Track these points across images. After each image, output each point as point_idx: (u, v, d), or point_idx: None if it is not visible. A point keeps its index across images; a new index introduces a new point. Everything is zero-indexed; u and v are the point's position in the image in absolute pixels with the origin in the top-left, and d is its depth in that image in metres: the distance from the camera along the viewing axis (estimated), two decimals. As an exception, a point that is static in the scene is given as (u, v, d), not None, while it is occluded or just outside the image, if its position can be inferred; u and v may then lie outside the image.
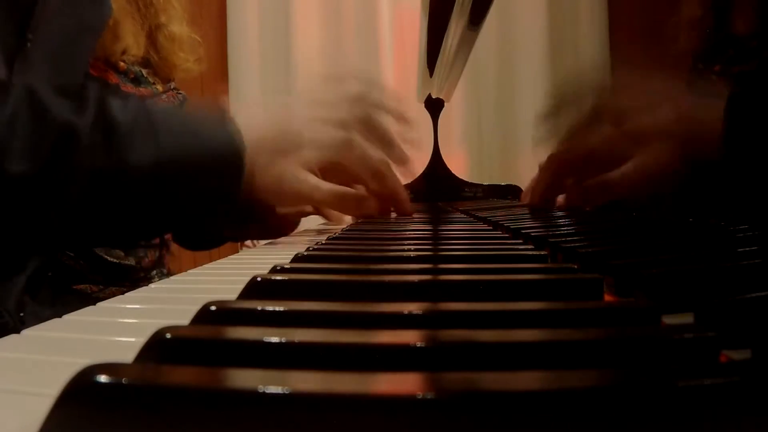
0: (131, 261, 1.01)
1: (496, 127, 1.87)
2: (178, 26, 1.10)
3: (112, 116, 0.45)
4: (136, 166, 0.45)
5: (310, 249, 0.41)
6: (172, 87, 1.12)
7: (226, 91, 1.90)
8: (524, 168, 1.81)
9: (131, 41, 1.00)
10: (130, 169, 0.45)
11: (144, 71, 1.07)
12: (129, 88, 1.02)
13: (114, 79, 1.01)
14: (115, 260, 0.97)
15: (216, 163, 0.48)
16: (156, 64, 1.08)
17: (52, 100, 0.44)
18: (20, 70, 0.62)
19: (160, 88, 1.08)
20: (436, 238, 0.50)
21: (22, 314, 0.69)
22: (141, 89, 1.04)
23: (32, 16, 0.61)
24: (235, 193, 0.50)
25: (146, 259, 1.04)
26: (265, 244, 0.64)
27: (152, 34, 1.08)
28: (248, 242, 0.91)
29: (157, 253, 1.08)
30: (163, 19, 1.08)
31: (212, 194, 0.49)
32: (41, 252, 0.55)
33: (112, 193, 0.45)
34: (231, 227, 0.80)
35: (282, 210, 0.73)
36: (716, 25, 0.91)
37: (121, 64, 1.02)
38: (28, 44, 0.62)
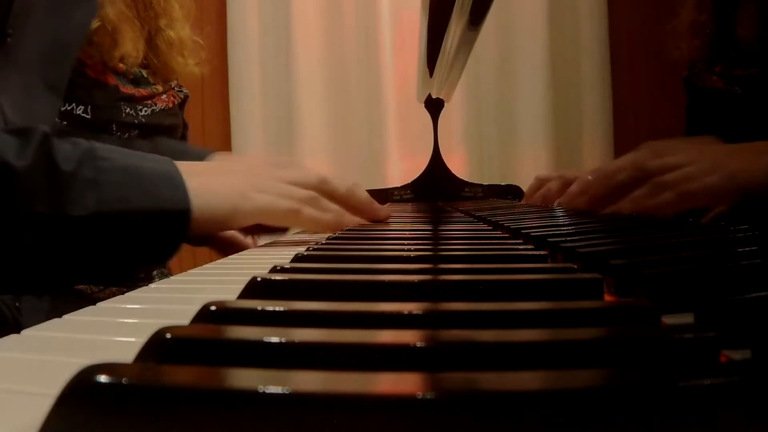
0: None
1: (496, 127, 1.86)
2: (179, 30, 1.09)
3: (54, 162, 0.44)
4: (76, 216, 0.44)
5: (310, 249, 0.41)
6: (173, 86, 1.11)
7: (226, 91, 1.90)
8: (524, 168, 1.81)
9: (130, 47, 1.00)
10: (70, 218, 0.44)
11: (144, 72, 1.06)
12: (128, 89, 1.02)
13: (113, 80, 1.01)
14: None
15: (160, 221, 0.48)
16: (155, 67, 1.08)
17: None
18: (2, 65, 0.62)
19: (160, 88, 1.08)
20: (436, 238, 0.50)
21: (18, 304, 0.68)
22: (141, 90, 1.04)
23: (11, 11, 0.61)
24: (178, 245, 0.50)
25: None
26: (265, 244, 0.64)
27: (151, 38, 1.08)
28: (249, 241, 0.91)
29: None
30: (162, 23, 1.08)
31: (154, 247, 0.49)
32: None
33: (50, 239, 0.44)
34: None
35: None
36: (717, 28, 0.91)
37: (120, 65, 1.01)
38: (9, 39, 0.61)
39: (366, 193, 0.66)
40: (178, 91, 1.12)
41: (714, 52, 0.91)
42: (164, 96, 1.08)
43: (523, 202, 0.91)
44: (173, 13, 1.09)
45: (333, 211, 0.59)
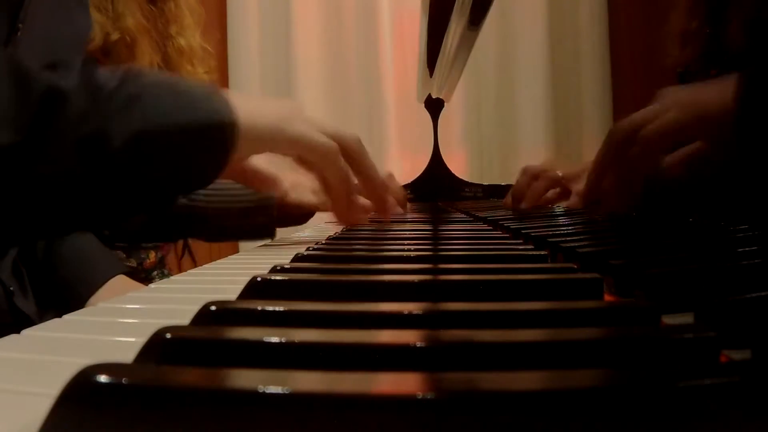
0: (133, 262, 1.02)
1: (496, 127, 1.86)
2: (189, 37, 1.08)
3: (98, 81, 0.44)
4: (120, 134, 0.43)
5: (310, 249, 0.41)
6: None
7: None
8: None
9: (146, 63, 0.99)
10: (115, 134, 0.43)
11: None
12: None
13: None
14: None
15: (207, 133, 0.47)
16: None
17: (35, 66, 0.42)
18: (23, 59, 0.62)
19: None
20: (436, 238, 0.50)
21: (11, 288, 0.68)
22: None
23: (22, 5, 0.61)
24: (226, 160, 0.49)
25: (147, 261, 1.04)
26: (265, 245, 0.64)
27: (163, 46, 1.07)
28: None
29: (159, 254, 1.08)
30: (173, 30, 1.06)
31: (203, 163, 0.48)
32: (19, 236, 0.53)
33: (97, 162, 0.43)
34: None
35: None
36: (708, 35, 0.91)
37: None
38: (19, 33, 0.62)
39: (385, 189, 0.65)
40: None
41: (706, 59, 0.92)
42: None
43: (508, 197, 0.93)
44: (184, 20, 1.08)
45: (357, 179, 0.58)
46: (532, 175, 0.89)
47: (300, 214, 0.84)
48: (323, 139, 0.54)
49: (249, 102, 0.51)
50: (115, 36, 0.96)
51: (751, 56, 0.83)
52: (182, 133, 0.45)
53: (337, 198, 0.58)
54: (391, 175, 0.89)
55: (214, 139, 0.47)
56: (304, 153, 0.55)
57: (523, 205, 0.88)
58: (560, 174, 0.86)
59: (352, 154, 0.57)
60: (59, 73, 0.44)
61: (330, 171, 0.56)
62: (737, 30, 0.84)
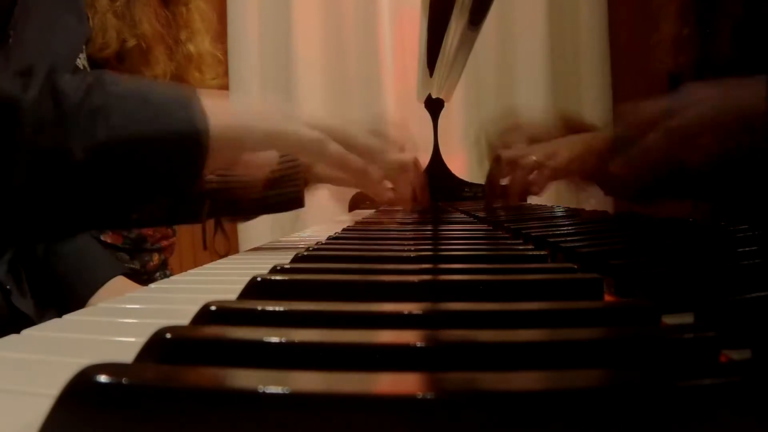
0: (136, 265, 1.02)
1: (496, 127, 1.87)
2: (198, 43, 1.06)
3: (61, 92, 0.42)
4: (84, 146, 0.41)
5: (310, 249, 0.41)
6: None
7: (225, 92, 1.90)
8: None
9: (159, 70, 0.99)
10: (77, 149, 0.41)
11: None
12: None
13: None
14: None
15: (176, 143, 0.45)
16: (170, 79, 1.06)
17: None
18: (3, 66, 0.62)
19: None
20: (436, 238, 0.50)
21: (8, 287, 0.68)
22: None
23: (12, 13, 0.61)
24: (195, 176, 0.47)
25: (151, 263, 1.04)
26: (265, 245, 0.64)
27: (172, 52, 1.06)
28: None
29: (162, 256, 1.08)
30: (182, 35, 1.06)
31: (175, 173, 0.46)
32: None
33: (58, 174, 0.41)
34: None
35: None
36: (700, 42, 0.91)
37: None
38: (10, 40, 0.61)
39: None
40: None
41: (697, 66, 0.92)
42: None
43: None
44: (194, 24, 1.07)
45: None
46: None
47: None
48: (308, 133, 0.52)
49: (222, 104, 0.49)
50: (131, 42, 0.95)
51: (743, 60, 0.84)
52: (150, 145, 0.44)
53: (354, 183, 0.56)
54: (412, 162, 0.87)
55: (184, 149, 0.45)
56: (283, 148, 0.53)
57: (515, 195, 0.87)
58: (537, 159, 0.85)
59: (343, 143, 0.54)
60: (23, 81, 0.42)
61: (322, 162, 0.54)
62: (728, 34, 0.84)
